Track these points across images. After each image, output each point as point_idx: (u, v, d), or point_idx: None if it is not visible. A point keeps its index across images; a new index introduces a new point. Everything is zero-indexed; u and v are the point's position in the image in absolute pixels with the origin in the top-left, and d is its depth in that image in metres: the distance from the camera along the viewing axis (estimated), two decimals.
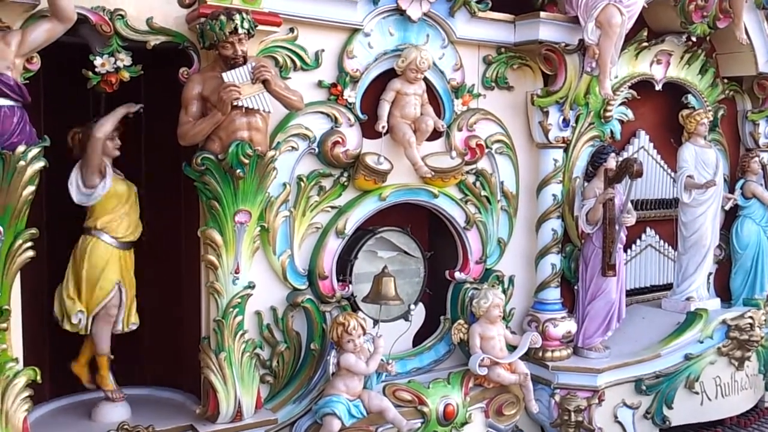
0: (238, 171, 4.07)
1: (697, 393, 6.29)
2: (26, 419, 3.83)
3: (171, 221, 4.67)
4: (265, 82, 4.07)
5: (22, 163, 3.53)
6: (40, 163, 3.63)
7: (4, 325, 3.66)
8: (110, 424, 4.21)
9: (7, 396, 3.71)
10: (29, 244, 3.69)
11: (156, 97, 4.49)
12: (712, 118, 6.71)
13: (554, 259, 5.85)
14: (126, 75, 3.96)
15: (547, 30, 5.38)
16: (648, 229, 6.96)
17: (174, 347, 4.76)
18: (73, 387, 4.66)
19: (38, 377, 3.84)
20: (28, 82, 3.64)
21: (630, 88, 6.29)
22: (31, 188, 3.62)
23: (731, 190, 7.11)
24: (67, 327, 4.28)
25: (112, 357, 4.43)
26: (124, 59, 3.93)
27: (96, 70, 3.89)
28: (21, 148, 3.52)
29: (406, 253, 5.35)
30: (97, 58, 3.90)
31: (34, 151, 3.58)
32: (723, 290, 7.14)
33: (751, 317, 6.56)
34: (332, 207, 4.92)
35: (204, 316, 4.39)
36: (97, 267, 4.25)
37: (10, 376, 3.71)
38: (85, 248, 4.25)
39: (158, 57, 4.12)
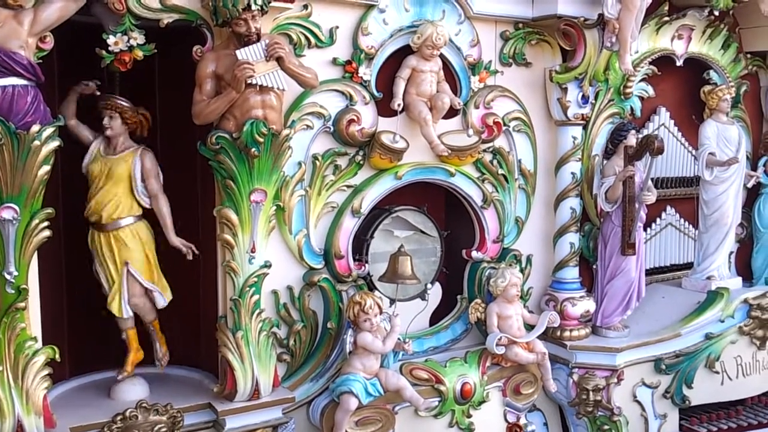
0: (253, 150, 4.05)
1: (717, 373, 6.23)
2: (46, 397, 3.87)
3: (187, 201, 4.66)
4: (279, 60, 4.04)
5: (36, 143, 3.54)
6: (55, 143, 3.63)
7: (23, 304, 3.69)
8: (129, 402, 4.24)
9: (27, 374, 3.75)
10: (46, 224, 3.71)
11: (170, 76, 4.47)
12: (734, 94, 6.57)
13: (573, 238, 5.80)
14: (139, 53, 3.92)
15: (565, 4, 5.26)
16: (668, 208, 6.87)
17: (192, 326, 4.78)
18: (93, 365, 4.71)
19: (57, 356, 3.87)
20: (41, 61, 3.63)
21: (650, 63, 6.17)
22: (46, 168, 3.62)
23: (754, 168, 6.97)
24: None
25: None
26: (137, 38, 3.89)
27: (109, 48, 3.86)
28: (35, 128, 3.52)
29: (422, 232, 5.32)
30: (110, 36, 3.86)
31: (49, 130, 3.58)
32: (744, 269, 7.04)
33: None
34: (348, 186, 4.90)
35: (221, 296, 4.40)
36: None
37: (29, 355, 3.75)
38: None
39: (172, 35, 4.09)
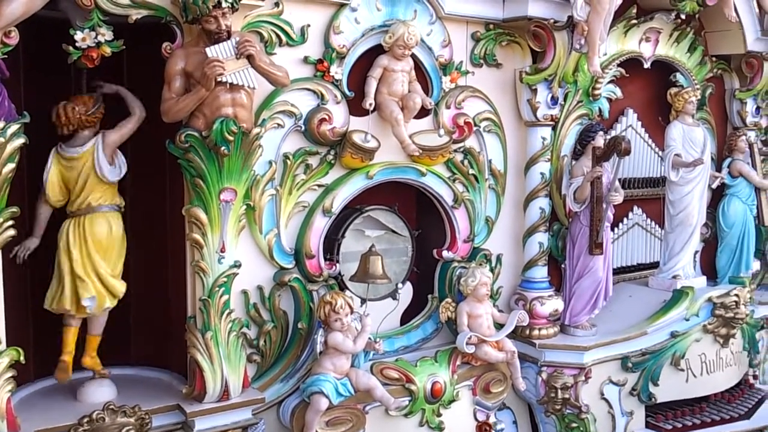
0: (223, 148, 4.02)
1: (682, 370, 6.32)
2: (9, 400, 3.78)
3: (156, 199, 4.61)
4: (250, 58, 4.02)
5: (1, 140, 3.47)
6: (20, 140, 3.57)
7: None
8: (96, 404, 4.17)
9: None
10: (10, 222, 3.64)
11: (139, 73, 4.41)
12: (700, 97, 6.70)
13: (542, 238, 5.84)
14: (107, 50, 3.86)
15: (536, 6, 5.31)
16: (635, 208, 6.98)
17: (160, 327, 4.72)
18: None
19: (21, 357, 3.79)
20: (6, 57, 3.55)
21: (618, 65, 6.26)
22: (11, 166, 3.56)
23: (718, 169, 7.13)
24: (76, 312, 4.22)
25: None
26: (105, 34, 3.83)
27: (77, 44, 3.79)
28: (0, 125, 3.44)
29: (393, 231, 5.33)
30: (78, 32, 3.79)
31: (14, 127, 3.52)
32: (709, 268, 7.18)
33: (736, 295, 6.57)
34: (319, 185, 4.88)
35: (190, 296, 4.35)
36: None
37: None
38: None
39: (140, 32, 4.04)
